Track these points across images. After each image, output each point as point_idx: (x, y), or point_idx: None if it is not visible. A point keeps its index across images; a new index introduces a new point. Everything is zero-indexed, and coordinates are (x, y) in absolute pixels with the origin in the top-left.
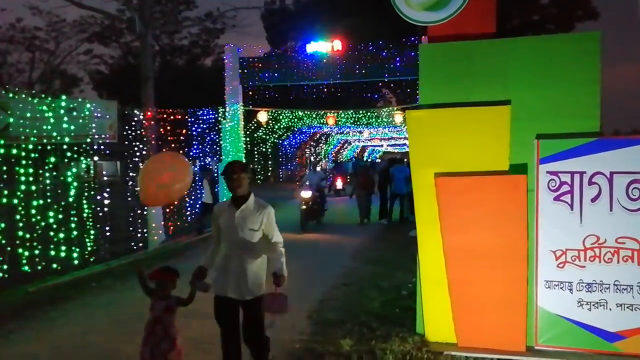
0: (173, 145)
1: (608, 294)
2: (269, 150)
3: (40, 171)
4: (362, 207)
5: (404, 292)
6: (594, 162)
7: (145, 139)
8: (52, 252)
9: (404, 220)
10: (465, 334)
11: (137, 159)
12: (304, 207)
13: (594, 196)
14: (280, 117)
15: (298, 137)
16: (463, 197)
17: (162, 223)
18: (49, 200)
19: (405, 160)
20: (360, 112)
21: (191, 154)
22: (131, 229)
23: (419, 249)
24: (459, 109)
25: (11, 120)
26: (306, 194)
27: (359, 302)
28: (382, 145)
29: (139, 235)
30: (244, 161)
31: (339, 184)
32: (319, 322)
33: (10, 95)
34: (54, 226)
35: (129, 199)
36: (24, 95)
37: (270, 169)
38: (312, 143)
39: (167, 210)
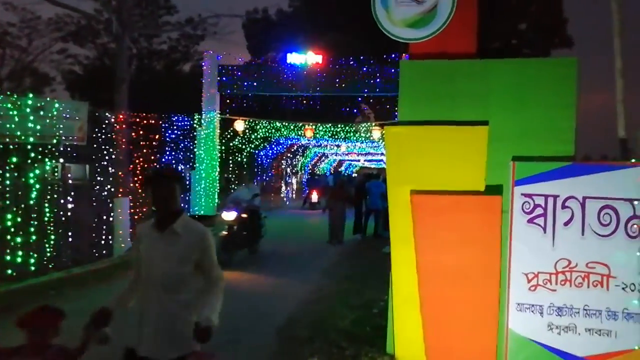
0: (145, 150)
1: (577, 319)
2: (245, 160)
3: (0, 171)
4: (333, 225)
5: (375, 310)
6: (568, 186)
7: (115, 143)
8: (8, 257)
9: (377, 236)
10: (436, 355)
11: (105, 163)
12: (225, 233)
13: (566, 220)
14: (258, 127)
15: (275, 148)
16: (438, 216)
17: (129, 230)
18: (7, 202)
19: (382, 175)
20: (339, 126)
21: (164, 160)
22: (94, 235)
23: (393, 267)
24: (437, 127)
25: None
26: (229, 215)
27: (328, 320)
28: (359, 160)
29: (103, 242)
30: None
31: (314, 197)
32: (287, 339)
33: None
34: (11, 230)
35: (94, 204)
36: None
37: (245, 179)
38: (289, 154)
39: (135, 217)
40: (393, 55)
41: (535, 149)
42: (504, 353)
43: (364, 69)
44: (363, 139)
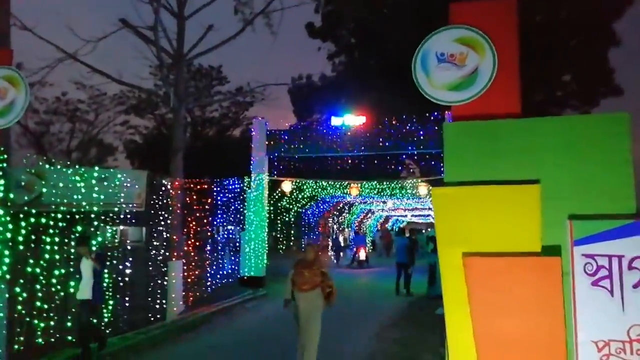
0: (197, 214)
1: None
2: (292, 219)
3: (66, 240)
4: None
5: None
6: (633, 246)
7: (171, 208)
8: (69, 324)
9: (410, 294)
10: None
11: (161, 228)
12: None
13: (635, 282)
14: (304, 186)
15: (321, 206)
16: (493, 279)
17: (182, 293)
18: (71, 270)
19: (428, 230)
20: (384, 183)
21: (215, 222)
22: (149, 298)
23: (448, 332)
24: (486, 187)
25: (44, 190)
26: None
27: None
28: (406, 216)
29: (157, 305)
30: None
31: (362, 254)
32: None
33: (47, 166)
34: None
35: (149, 267)
36: (59, 166)
37: (292, 237)
38: (335, 212)
39: (188, 280)
40: (435, 114)
41: (592, 207)
42: None
43: (407, 127)
44: (409, 195)
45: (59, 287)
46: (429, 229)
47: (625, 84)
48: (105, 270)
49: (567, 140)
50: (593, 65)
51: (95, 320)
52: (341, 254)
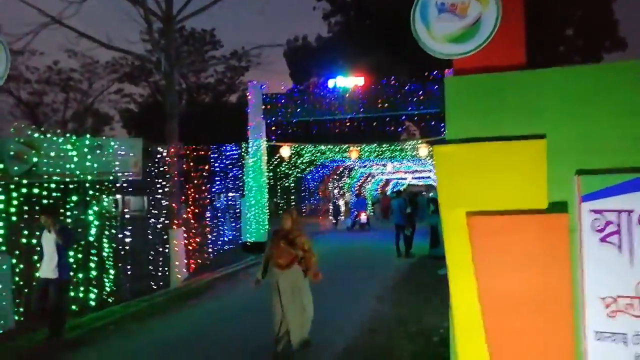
0: (195, 181)
1: None
2: (292, 184)
3: (62, 210)
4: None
5: (436, 338)
6: None
7: (168, 175)
8: (72, 294)
9: (409, 254)
10: None
11: (159, 196)
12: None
13: None
14: (303, 151)
15: (321, 171)
16: (498, 238)
17: (185, 261)
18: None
19: (425, 192)
20: (384, 145)
21: (214, 189)
22: (151, 267)
23: (452, 296)
24: (490, 144)
25: (35, 159)
26: None
27: (387, 351)
28: (406, 178)
29: (159, 273)
30: None
31: (363, 217)
32: None
33: (36, 135)
34: (73, 266)
35: (150, 236)
36: (49, 135)
37: (292, 203)
38: (335, 176)
39: (189, 247)
40: (435, 72)
41: (601, 162)
42: None
43: (406, 87)
44: (409, 157)
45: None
46: (423, 193)
47: (630, 38)
48: (75, 247)
49: (575, 92)
50: (597, 16)
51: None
52: (341, 217)
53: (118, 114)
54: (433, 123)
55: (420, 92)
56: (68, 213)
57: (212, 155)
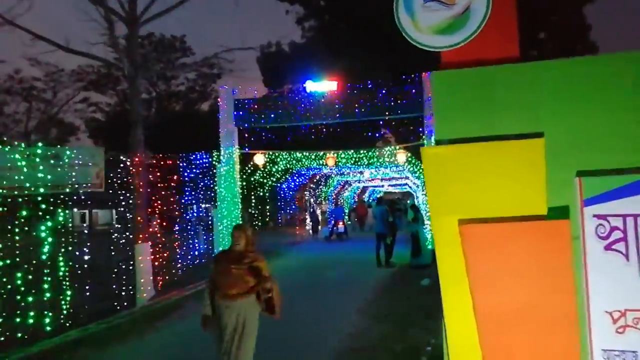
0: (163, 192)
1: None
2: (267, 194)
3: (9, 227)
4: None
5: (423, 358)
6: None
7: (132, 186)
8: (18, 320)
9: (389, 264)
10: None
11: (124, 208)
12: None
13: None
14: (278, 159)
15: (297, 180)
16: (494, 248)
17: (151, 278)
18: (17, 260)
19: (403, 200)
20: (361, 151)
21: (184, 200)
22: (114, 286)
23: (445, 311)
24: (482, 144)
25: None
26: None
27: None
28: (382, 185)
29: (123, 292)
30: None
31: (341, 227)
32: None
33: None
34: (22, 289)
35: (113, 252)
36: None
37: (268, 213)
38: (311, 185)
39: (157, 263)
40: (413, 75)
41: (604, 162)
42: None
43: (383, 91)
44: (386, 163)
45: (4, 279)
46: (398, 198)
47: (600, 42)
48: None
49: (574, 87)
50: (570, 20)
51: None
52: (318, 227)
53: (84, 124)
54: (411, 128)
55: (397, 96)
56: (16, 230)
57: (181, 165)
